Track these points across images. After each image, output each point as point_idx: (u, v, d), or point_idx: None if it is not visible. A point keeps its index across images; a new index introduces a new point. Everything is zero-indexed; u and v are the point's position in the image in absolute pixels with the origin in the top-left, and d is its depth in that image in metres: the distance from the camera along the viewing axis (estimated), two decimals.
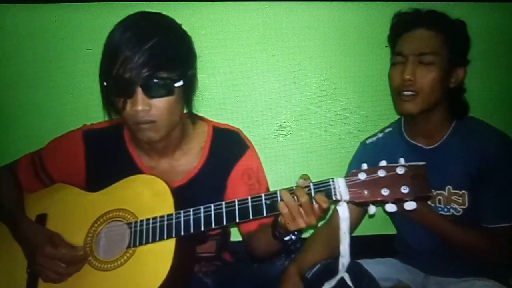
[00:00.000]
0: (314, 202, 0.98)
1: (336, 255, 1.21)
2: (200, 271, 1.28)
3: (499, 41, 1.66)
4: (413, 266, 1.42)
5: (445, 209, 1.31)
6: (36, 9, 1.58)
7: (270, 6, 1.61)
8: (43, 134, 1.31)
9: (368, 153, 1.44)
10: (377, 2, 1.61)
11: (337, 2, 1.62)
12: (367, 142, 1.48)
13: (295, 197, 0.99)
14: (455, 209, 1.30)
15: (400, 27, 1.32)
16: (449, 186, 1.31)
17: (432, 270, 1.38)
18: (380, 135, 1.47)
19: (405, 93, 1.26)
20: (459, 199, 1.29)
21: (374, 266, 1.29)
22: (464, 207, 1.29)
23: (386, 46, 1.38)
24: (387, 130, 1.48)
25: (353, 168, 1.46)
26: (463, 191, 1.29)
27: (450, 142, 1.32)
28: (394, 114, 1.43)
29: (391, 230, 1.50)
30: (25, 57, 1.62)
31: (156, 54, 1.04)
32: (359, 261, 1.23)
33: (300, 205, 0.98)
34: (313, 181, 1.02)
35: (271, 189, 1.28)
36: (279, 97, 1.70)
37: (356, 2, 1.61)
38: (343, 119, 1.72)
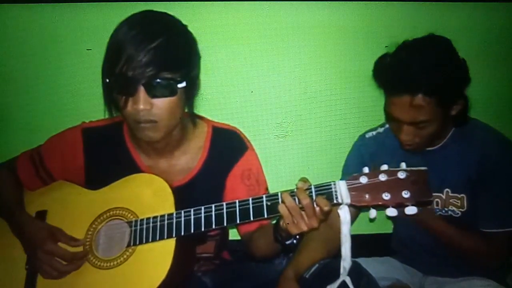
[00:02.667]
0: (315, 205, 0.97)
1: (333, 254, 1.21)
2: (199, 270, 1.28)
3: (499, 41, 1.66)
4: (411, 266, 1.42)
5: (443, 211, 1.31)
6: (36, 9, 1.58)
7: (270, 6, 1.61)
8: (43, 133, 1.31)
9: (366, 147, 1.42)
10: (377, 2, 1.61)
11: (337, 2, 1.62)
12: (367, 136, 1.44)
13: (296, 200, 0.98)
14: (453, 211, 1.30)
15: (386, 86, 1.24)
16: (447, 189, 1.30)
17: (430, 269, 1.38)
18: (381, 130, 1.43)
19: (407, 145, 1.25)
20: (458, 202, 1.29)
21: (373, 265, 1.29)
22: (462, 210, 1.29)
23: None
24: (387, 125, 1.41)
25: (351, 161, 1.46)
26: (462, 195, 1.28)
27: (450, 145, 1.30)
28: None
29: (389, 229, 1.50)
30: (25, 57, 1.63)
31: (161, 54, 1.03)
32: (358, 260, 1.22)
33: (302, 208, 0.97)
34: (314, 181, 1.01)
35: (272, 189, 1.27)
36: (279, 97, 1.70)
37: (356, 2, 1.61)
38: (343, 119, 1.72)
